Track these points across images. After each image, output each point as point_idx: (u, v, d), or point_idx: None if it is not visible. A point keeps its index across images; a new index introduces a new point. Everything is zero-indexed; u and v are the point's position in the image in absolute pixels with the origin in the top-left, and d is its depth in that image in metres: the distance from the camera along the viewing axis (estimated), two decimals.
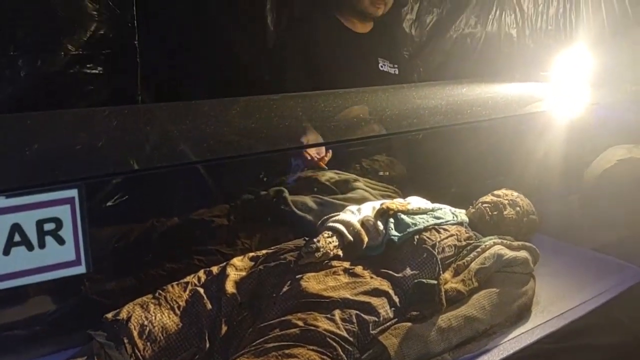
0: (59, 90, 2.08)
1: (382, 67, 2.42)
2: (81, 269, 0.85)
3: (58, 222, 0.82)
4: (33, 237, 0.81)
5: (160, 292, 1.50)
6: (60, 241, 0.83)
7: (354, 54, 2.35)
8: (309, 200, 1.94)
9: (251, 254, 1.69)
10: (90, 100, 2.12)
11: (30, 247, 0.81)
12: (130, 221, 1.77)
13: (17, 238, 0.80)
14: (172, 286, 1.53)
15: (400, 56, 2.58)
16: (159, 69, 2.27)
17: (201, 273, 1.58)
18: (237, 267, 1.61)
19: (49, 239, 0.82)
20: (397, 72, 2.45)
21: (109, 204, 1.77)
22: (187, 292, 1.52)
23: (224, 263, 1.63)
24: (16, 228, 0.80)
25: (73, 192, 0.82)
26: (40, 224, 0.81)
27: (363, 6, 2.33)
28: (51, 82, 2.05)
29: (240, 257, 1.67)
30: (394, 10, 2.88)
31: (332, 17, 2.39)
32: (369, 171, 2.19)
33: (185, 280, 1.56)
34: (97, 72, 2.17)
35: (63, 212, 0.82)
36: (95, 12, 2.11)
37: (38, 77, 2.01)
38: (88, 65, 2.14)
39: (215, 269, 1.60)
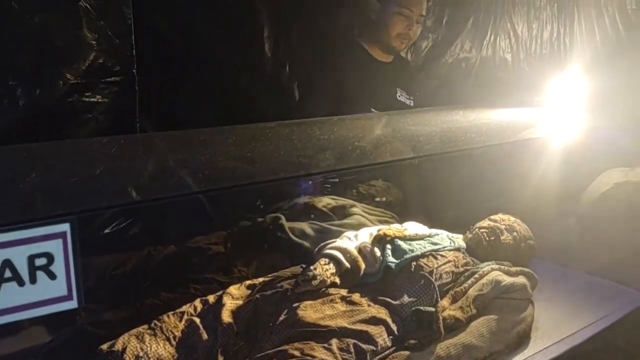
0: (58, 119, 2.09)
1: (399, 97, 2.46)
2: (73, 304, 0.84)
3: (49, 257, 0.82)
4: (24, 273, 0.81)
5: (156, 322, 1.49)
6: (52, 276, 0.83)
7: (375, 81, 2.40)
8: (306, 227, 1.94)
9: (248, 282, 1.68)
10: (89, 128, 2.13)
11: (21, 283, 0.80)
12: (125, 250, 1.77)
13: (7, 274, 0.80)
14: (168, 316, 1.52)
15: (416, 88, 2.61)
16: (158, 97, 2.29)
17: (197, 302, 1.57)
18: (234, 296, 1.60)
19: (40, 274, 0.82)
20: (412, 104, 2.49)
21: (104, 232, 1.76)
22: (183, 322, 1.50)
23: (221, 292, 1.62)
24: (7, 264, 0.79)
25: (65, 227, 0.82)
26: (31, 259, 0.81)
27: (389, 40, 2.38)
28: (50, 111, 2.06)
29: (237, 286, 1.66)
30: None
31: (356, 43, 2.43)
32: (366, 196, 2.19)
33: (181, 309, 1.54)
34: (96, 100, 2.18)
35: (55, 247, 0.82)
36: (94, 42, 2.14)
37: (37, 106, 2.02)
38: (87, 94, 2.16)
39: (211, 298, 1.59)
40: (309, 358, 1.35)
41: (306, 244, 1.88)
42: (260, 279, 1.70)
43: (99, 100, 2.19)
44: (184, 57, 2.38)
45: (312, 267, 1.59)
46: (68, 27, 2.06)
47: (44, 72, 2.05)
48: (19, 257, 0.80)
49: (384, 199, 2.19)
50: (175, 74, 2.37)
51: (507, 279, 1.69)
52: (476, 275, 1.69)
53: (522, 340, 1.66)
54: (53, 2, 2.01)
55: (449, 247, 1.78)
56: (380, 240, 1.76)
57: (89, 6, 2.11)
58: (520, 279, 1.72)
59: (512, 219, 1.93)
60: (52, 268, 0.83)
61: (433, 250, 1.73)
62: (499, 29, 3.33)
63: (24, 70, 2.00)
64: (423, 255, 1.70)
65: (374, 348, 1.44)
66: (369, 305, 1.56)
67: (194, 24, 2.39)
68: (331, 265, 1.63)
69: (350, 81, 2.31)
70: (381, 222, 2.04)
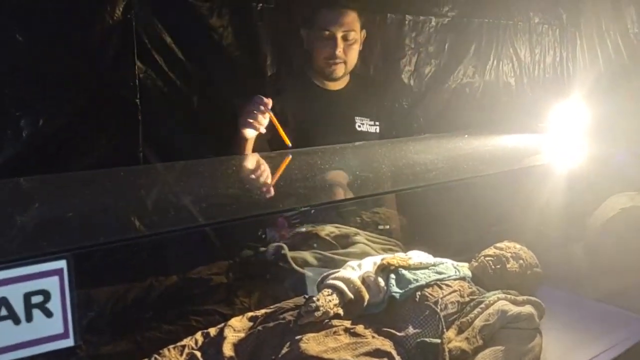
0: (61, 150, 2.10)
1: (359, 127, 2.34)
2: (69, 342, 0.83)
3: (46, 295, 0.81)
4: (20, 311, 0.80)
5: (157, 356, 1.46)
6: (48, 314, 0.82)
7: (325, 112, 2.29)
8: (308, 256, 1.92)
9: (250, 314, 1.66)
10: (92, 159, 2.15)
11: (17, 321, 0.80)
12: (125, 281, 1.76)
13: (3, 312, 0.79)
14: (169, 350, 1.49)
15: (385, 110, 2.49)
16: (161, 127, 2.30)
17: (198, 335, 1.55)
18: (236, 328, 1.57)
19: (36, 312, 0.81)
20: (377, 130, 2.37)
21: (105, 263, 1.75)
22: (184, 355, 1.48)
23: (222, 324, 1.59)
24: (2, 302, 0.79)
25: (61, 264, 0.81)
26: (27, 297, 0.80)
27: (319, 67, 2.29)
28: (53, 142, 2.08)
29: (238, 317, 1.63)
30: (390, 62, 2.93)
31: (301, 74, 2.36)
32: (370, 224, 2.17)
33: (181, 343, 1.52)
34: (99, 131, 2.20)
35: (51, 284, 0.81)
36: (97, 72, 2.16)
37: (40, 137, 2.04)
38: (90, 124, 2.18)
39: (212, 331, 1.57)
40: None
41: (309, 273, 1.85)
42: (263, 311, 1.67)
43: (102, 131, 2.21)
44: (187, 87, 2.40)
45: (314, 298, 1.57)
46: (71, 57, 2.09)
47: (48, 103, 2.07)
48: (14, 295, 0.79)
49: (387, 226, 2.18)
50: (178, 103, 2.38)
51: (514, 309, 1.65)
52: (482, 305, 1.65)
53: None
54: (57, 34, 2.04)
55: (454, 276, 1.75)
56: (384, 270, 1.73)
57: (92, 37, 2.13)
58: (527, 308, 1.69)
59: (518, 246, 1.90)
60: (49, 305, 0.82)
61: (438, 280, 1.71)
62: (501, 54, 3.36)
63: (27, 102, 2.02)
64: (428, 285, 1.68)
65: None
66: (373, 337, 1.53)
67: (198, 54, 2.42)
68: (334, 296, 1.61)
69: (300, 116, 2.23)
70: (385, 251, 2.02)
